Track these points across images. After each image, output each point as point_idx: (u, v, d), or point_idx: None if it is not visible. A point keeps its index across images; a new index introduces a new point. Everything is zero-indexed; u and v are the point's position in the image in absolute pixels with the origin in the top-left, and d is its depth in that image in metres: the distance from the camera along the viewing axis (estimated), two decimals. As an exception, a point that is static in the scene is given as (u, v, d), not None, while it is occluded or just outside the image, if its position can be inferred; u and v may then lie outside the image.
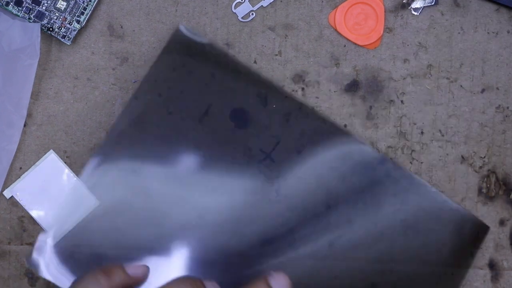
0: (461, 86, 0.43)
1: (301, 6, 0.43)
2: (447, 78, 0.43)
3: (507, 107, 0.43)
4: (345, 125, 0.43)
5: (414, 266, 0.43)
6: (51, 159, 0.43)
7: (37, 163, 0.43)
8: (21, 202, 0.43)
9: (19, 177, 0.43)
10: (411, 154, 0.43)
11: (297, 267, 0.42)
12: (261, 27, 0.43)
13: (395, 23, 0.43)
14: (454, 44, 0.43)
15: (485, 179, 0.44)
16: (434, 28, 0.43)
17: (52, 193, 0.43)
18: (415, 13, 0.43)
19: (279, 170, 0.43)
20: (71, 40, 0.43)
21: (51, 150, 0.43)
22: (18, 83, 0.42)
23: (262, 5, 0.43)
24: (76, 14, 0.43)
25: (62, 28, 0.43)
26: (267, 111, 0.43)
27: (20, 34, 0.42)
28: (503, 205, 0.44)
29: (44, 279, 0.43)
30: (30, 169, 0.43)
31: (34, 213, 0.43)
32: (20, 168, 0.43)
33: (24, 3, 0.42)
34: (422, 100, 0.43)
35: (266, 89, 0.43)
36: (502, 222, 0.44)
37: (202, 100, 0.43)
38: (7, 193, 0.43)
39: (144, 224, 0.42)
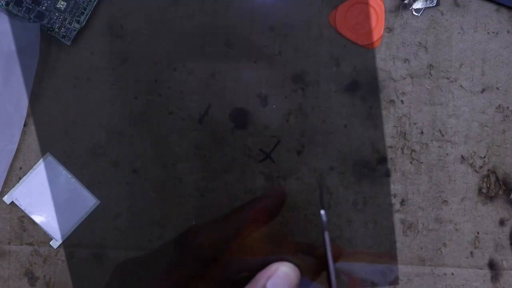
0: (461, 86, 0.43)
1: (301, 6, 0.43)
2: (447, 78, 0.43)
3: (507, 107, 0.43)
4: (345, 125, 0.43)
5: (414, 266, 0.43)
6: (49, 161, 0.43)
7: (34, 166, 0.43)
8: (21, 207, 0.43)
9: (19, 179, 0.43)
10: (411, 154, 0.43)
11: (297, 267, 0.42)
12: (261, 27, 0.43)
13: (395, 23, 0.43)
14: (454, 44, 0.43)
15: (485, 179, 0.44)
16: (434, 28, 0.43)
17: (52, 196, 0.43)
18: (416, 14, 0.43)
19: (279, 170, 0.43)
20: (71, 40, 0.43)
21: (48, 153, 0.43)
22: (18, 83, 0.42)
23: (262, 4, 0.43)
24: (76, 14, 0.43)
25: (62, 28, 0.43)
26: (267, 111, 0.43)
27: (20, 34, 0.42)
28: (503, 205, 0.44)
29: (44, 279, 0.44)
30: (28, 173, 0.43)
31: (35, 217, 0.43)
32: (20, 168, 0.43)
33: (24, 3, 0.42)
34: (422, 100, 0.43)
35: (266, 89, 0.43)
36: (502, 222, 0.44)
37: (202, 100, 0.43)
38: (7, 199, 0.43)
39: (143, 224, 0.42)
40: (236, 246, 0.39)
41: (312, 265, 0.39)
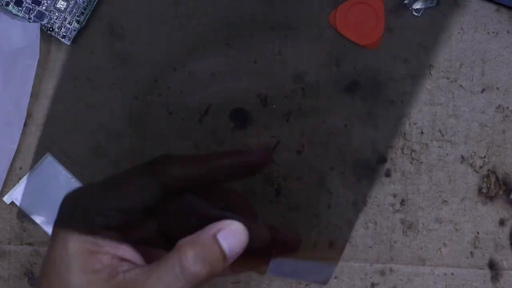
0: (461, 86, 0.43)
1: (301, 6, 0.43)
2: (447, 78, 0.43)
3: (507, 107, 0.43)
4: (345, 125, 0.43)
5: (414, 266, 0.43)
6: (48, 161, 0.43)
7: (34, 166, 0.43)
8: (21, 207, 0.43)
9: (19, 179, 0.43)
10: (411, 154, 0.43)
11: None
12: (261, 27, 0.43)
13: (395, 23, 0.43)
14: (454, 44, 0.43)
15: (485, 179, 0.44)
16: (434, 28, 0.43)
17: (52, 196, 0.43)
18: (416, 14, 0.43)
19: (279, 170, 0.43)
20: (71, 40, 0.43)
21: (48, 153, 0.43)
22: (18, 83, 0.42)
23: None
24: (76, 14, 0.43)
25: (62, 28, 0.43)
26: (267, 111, 0.43)
27: (20, 34, 0.42)
28: (503, 205, 0.44)
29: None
30: (28, 173, 0.43)
31: (35, 217, 0.43)
32: (20, 168, 0.43)
33: (24, 3, 0.42)
34: (422, 100, 0.43)
35: (266, 89, 0.43)
36: (502, 222, 0.44)
37: (202, 100, 0.43)
38: (6, 199, 0.43)
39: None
40: (203, 189, 0.36)
41: (262, 241, 0.36)
